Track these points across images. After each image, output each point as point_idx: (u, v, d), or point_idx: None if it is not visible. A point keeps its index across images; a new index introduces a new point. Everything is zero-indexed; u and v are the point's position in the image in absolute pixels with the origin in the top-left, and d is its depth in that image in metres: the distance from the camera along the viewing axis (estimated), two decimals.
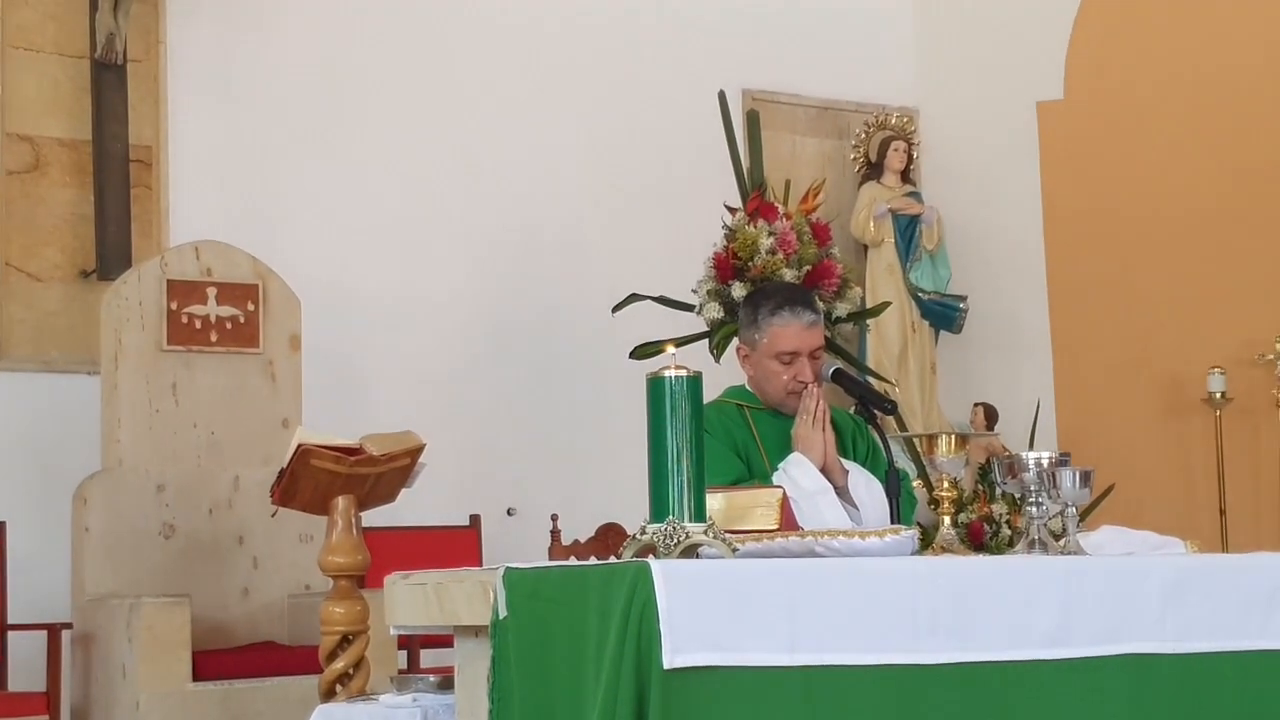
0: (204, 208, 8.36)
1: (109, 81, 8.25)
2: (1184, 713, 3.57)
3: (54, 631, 7.16)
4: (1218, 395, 10.00)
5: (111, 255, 8.14)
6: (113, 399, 7.39)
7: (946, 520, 4.36)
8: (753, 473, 5.00)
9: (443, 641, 5.83)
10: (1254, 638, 3.67)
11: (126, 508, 7.30)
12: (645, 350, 7.82)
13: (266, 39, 8.73)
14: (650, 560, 3.12)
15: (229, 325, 7.60)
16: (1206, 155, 10.21)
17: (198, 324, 7.52)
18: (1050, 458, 4.05)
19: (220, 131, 8.55)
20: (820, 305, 5.38)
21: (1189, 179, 10.21)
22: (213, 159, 8.50)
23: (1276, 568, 3.79)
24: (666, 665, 3.05)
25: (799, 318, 5.07)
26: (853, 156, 10.29)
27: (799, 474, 4.89)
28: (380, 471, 5.98)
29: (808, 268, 8.05)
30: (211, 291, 7.58)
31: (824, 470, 4.94)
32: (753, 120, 8.81)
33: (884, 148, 10.22)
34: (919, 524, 5.06)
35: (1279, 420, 10.03)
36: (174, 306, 7.48)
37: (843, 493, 4.95)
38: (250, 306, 7.65)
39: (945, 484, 4.40)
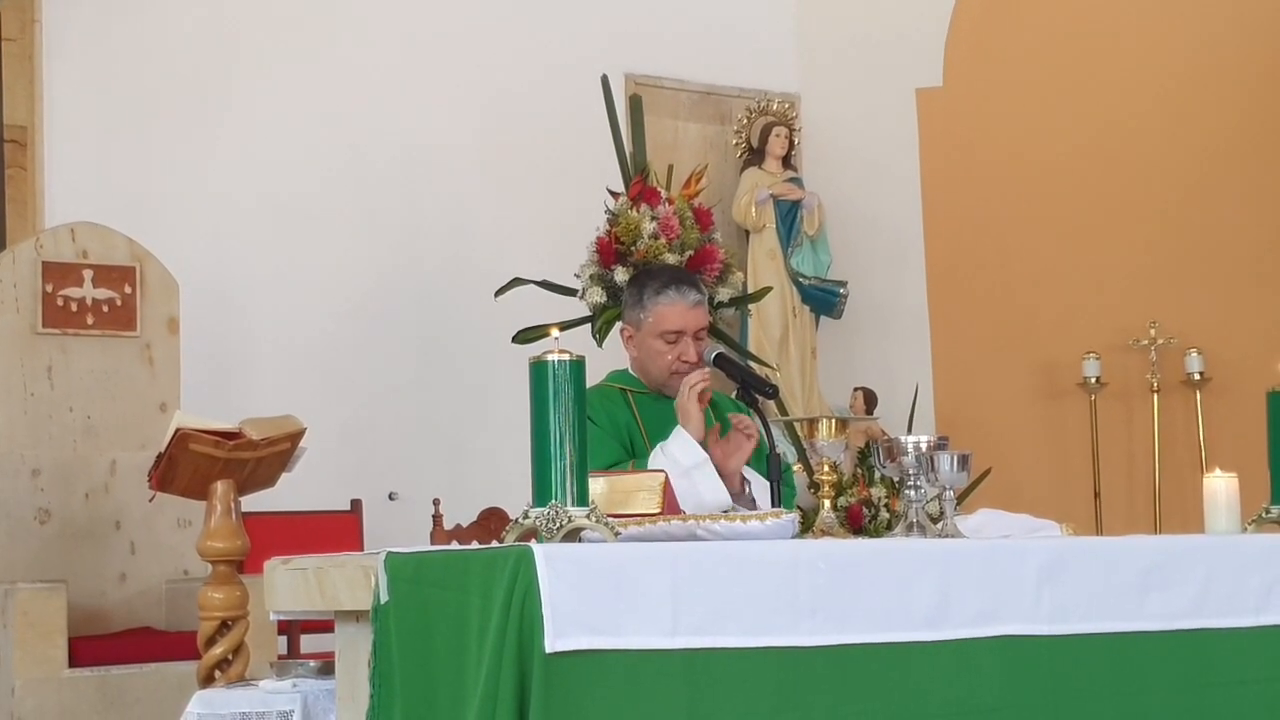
0: (80, 189, 8.25)
1: None
2: (1059, 693, 3.62)
3: None
4: (1093, 380, 10.15)
5: None
6: None
7: (826, 504, 4.39)
8: (635, 457, 5.01)
9: (323, 627, 5.83)
10: (1128, 619, 3.72)
11: (1, 492, 7.20)
12: (528, 334, 7.82)
13: (144, 19, 8.62)
14: (532, 544, 3.12)
15: (106, 308, 7.49)
16: (1083, 142, 10.34)
17: (74, 306, 7.42)
18: (928, 441, 4.09)
19: (97, 112, 8.44)
20: (704, 288, 5.40)
21: (1065, 166, 10.34)
22: (89, 139, 8.40)
23: (1150, 550, 3.85)
24: (548, 649, 3.05)
25: (684, 297, 5.10)
26: (735, 142, 10.31)
27: (677, 449, 4.89)
28: (260, 456, 5.92)
29: (690, 252, 8.10)
30: (88, 274, 7.47)
31: (703, 442, 4.94)
32: (635, 105, 8.83)
33: (766, 133, 10.25)
34: (799, 507, 5.09)
35: (1152, 405, 10.19)
36: (49, 289, 7.37)
37: None
38: (127, 289, 7.55)
39: (825, 468, 4.43)
